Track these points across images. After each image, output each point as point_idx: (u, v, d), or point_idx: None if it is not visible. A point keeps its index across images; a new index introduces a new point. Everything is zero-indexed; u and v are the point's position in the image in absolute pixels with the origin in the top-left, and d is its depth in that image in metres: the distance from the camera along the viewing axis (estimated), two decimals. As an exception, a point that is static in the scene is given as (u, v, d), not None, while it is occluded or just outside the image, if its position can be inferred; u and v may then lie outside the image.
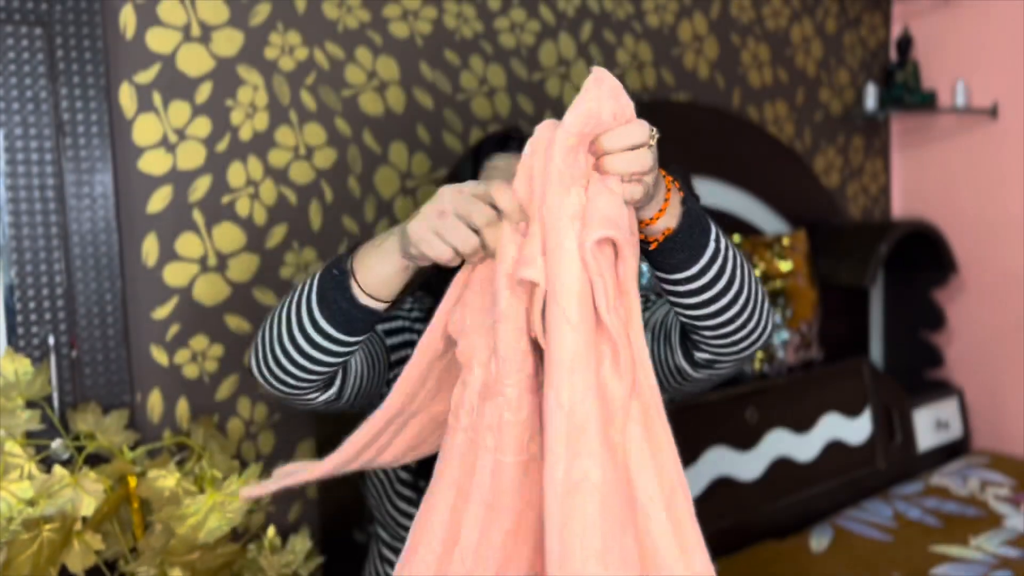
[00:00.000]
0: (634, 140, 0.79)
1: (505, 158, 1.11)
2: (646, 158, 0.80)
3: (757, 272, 2.16)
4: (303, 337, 0.95)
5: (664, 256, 0.88)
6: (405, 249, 0.86)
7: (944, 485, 2.20)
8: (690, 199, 0.88)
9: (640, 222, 0.85)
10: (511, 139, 1.18)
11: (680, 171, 0.95)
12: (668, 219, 0.86)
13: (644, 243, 0.87)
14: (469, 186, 0.84)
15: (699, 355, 1.01)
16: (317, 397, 1.03)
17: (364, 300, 0.91)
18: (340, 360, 0.97)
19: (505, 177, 0.85)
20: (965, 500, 2.11)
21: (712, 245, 0.89)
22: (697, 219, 0.88)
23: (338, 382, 1.04)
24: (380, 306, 0.92)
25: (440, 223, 0.82)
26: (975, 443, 2.57)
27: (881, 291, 2.64)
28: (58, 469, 1.24)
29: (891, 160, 2.76)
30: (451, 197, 0.83)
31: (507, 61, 1.92)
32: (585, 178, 0.80)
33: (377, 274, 0.90)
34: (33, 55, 1.36)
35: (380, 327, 1.19)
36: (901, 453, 2.28)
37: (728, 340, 0.97)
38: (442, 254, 0.83)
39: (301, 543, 1.40)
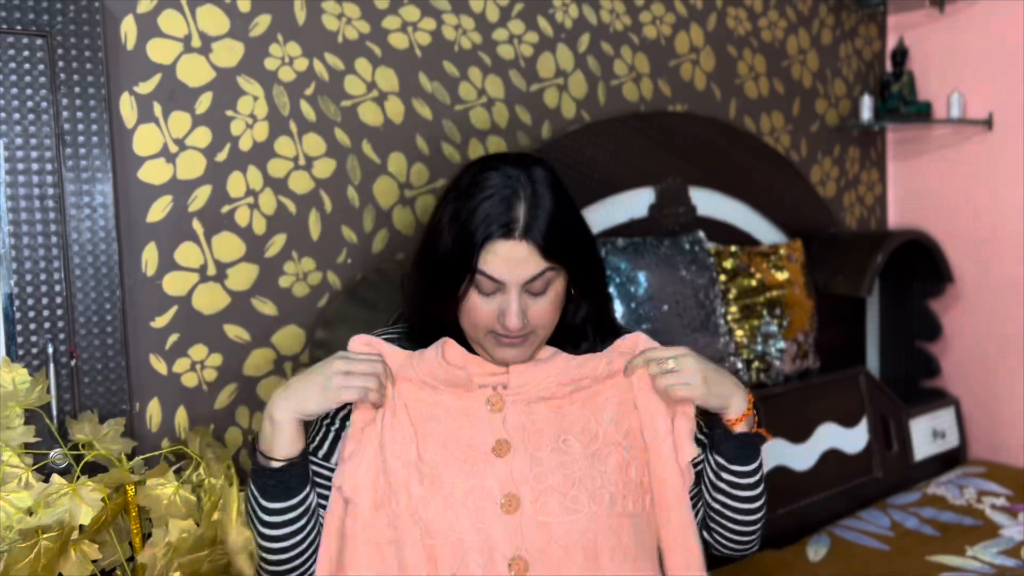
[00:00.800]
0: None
1: (506, 245, 1.05)
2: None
3: (752, 282, 2.17)
4: (261, 524, 1.12)
5: (740, 447, 1.15)
6: (300, 409, 1.08)
7: (941, 495, 2.20)
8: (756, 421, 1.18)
9: (728, 419, 1.15)
10: (500, 164, 1.11)
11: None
12: (746, 425, 1.16)
13: (726, 430, 1.15)
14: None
15: (710, 523, 1.23)
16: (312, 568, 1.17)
17: (271, 465, 1.09)
18: (288, 529, 1.12)
19: (507, 274, 1.06)
20: (962, 510, 2.11)
21: (760, 457, 1.17)
22: (754, 436, 1.16)
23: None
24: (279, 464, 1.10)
25: (347, 380, 1.07)
26: (972, 453, 2.57)
27: (877, 301, 2.64)
28: (56, 478, 1.24)
29: (887, 170, 2.77)
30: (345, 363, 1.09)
31: (505, 72, 1.93)
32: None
33: (281, 445, 1.09)
34: (34, 65, 1.37)
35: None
36: (898, 462, 2.29)
37: (738, 533, 1.21)
38: (356, 395, 1.07)
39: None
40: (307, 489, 1.12)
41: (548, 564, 1.03)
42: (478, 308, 1.08)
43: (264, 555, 1.14)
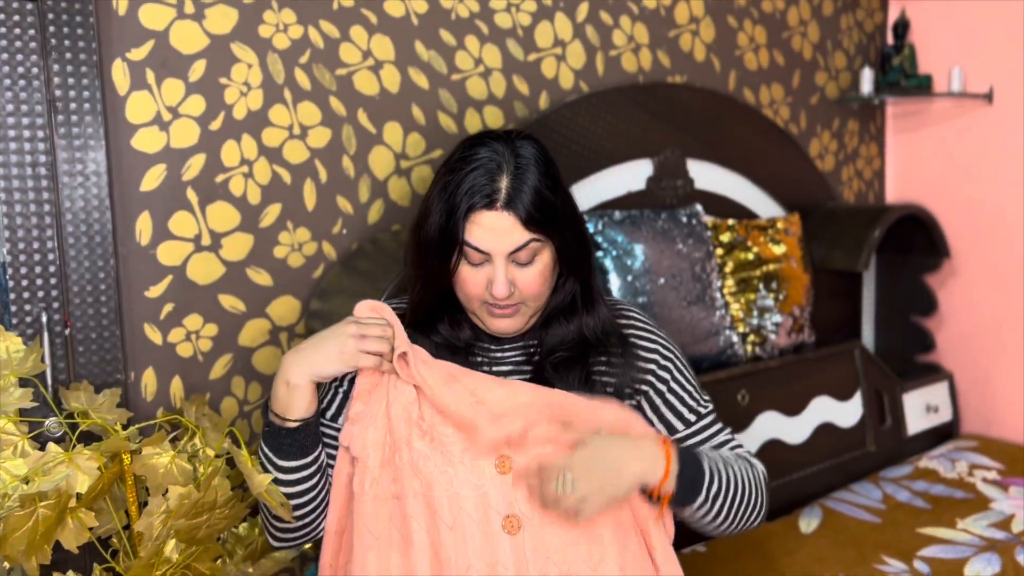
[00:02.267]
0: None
1: (492, 218, 1.09)
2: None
3: (749, 256, 2.17)
4: (275, 483, 1.15)
5: (676, 502, 1.13)
6: (317, 372, 1.10)
7: (933, 468, 2.22)
8: (686, 466, 1.12)
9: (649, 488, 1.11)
10: (488, 140, 1.14)
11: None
12: (667, 487, 1.10)
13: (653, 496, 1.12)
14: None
15: None
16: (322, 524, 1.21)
17: (287, 426, 1.12)
18: (304, 486, 1.16)
19: (492, 245, 1.08)
20: (953, 483, 2.13)
21: (702, 497, 1.13)
22: (691, 482, 1.12)
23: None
24: (295, 424, 1.13)
25: (362, 343, 1.09)
26: (964, 427, 2.59)
27: (874, 275, 2.64)
28: (52, 446, 1.24)
29: (886, 144, 2.76)
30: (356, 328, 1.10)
31: (503, 41, 1.91)
32: None
33: (286, 406, 1.12)
34: (24, 30, 1.35)
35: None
36: (891, 436, 2.30)
37: (721, 530, 1.21)
38: (371, 361, 1.10)
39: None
40: (320, 447, 1.16)
41: (539, 525, 1.06)
42: (468, 279, 1.12)
43: (277, 518, 1.18)
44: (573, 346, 1.19)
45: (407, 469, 1.08)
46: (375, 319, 1.12)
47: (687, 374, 1.25)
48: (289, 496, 1.15)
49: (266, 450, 1.15)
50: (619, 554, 1.08)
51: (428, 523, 1.07)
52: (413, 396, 1.11)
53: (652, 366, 1.21)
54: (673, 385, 1.22)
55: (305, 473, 1.15)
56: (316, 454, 1.16)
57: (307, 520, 1.19)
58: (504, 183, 1.09)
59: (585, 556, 1.06)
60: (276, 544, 1.24)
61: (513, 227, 1.09)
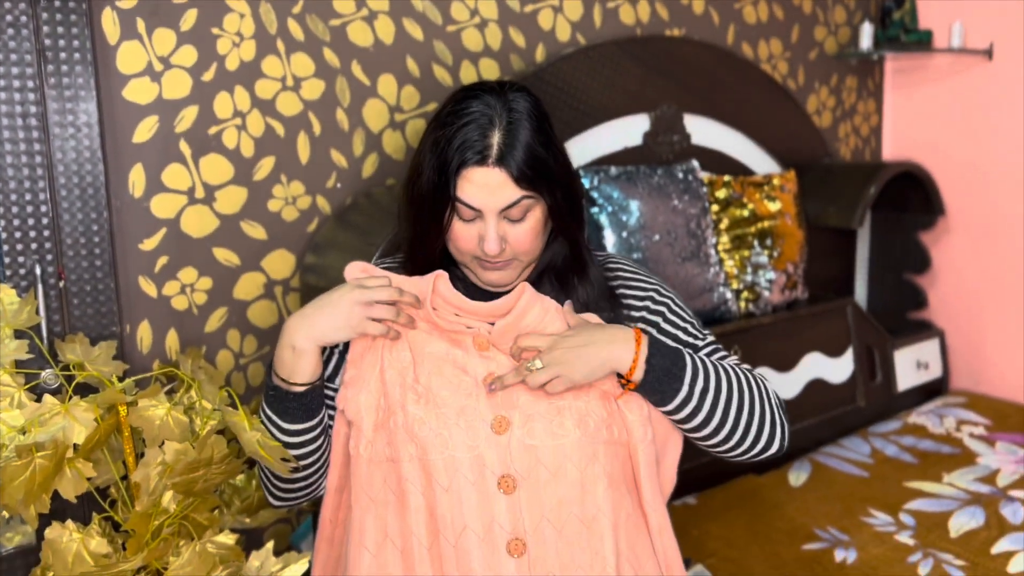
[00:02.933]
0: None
1: (483, 175, 1.07)
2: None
3: (744, 212, 2.17)
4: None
5: (643, 394, 1.12)
6: (324, 338, 1.09)
7: (921, 424, 2.25)
8: (661, 356, 1.10)
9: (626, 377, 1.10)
10: (480, 92, 1.11)
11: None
12: (636, 375, 1.09)
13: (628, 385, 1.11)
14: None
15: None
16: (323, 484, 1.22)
17: (294, 390, 1.12)
18: (309, 448, 1.16)
19: (483, 202, 1.08)
20: (941, 438, 2.16)
21: (684, 391, 1.10)
22: (665, 373, 1.10)
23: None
24: (302, 388, 1.12)
25: (369, 310, 1.08)
26: (954, 383, 2.62)
27: (868, 232, 2.65)
28: (48, 398, 1.25)
29: (884, 101, 2.74)
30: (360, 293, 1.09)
31: (499, -8, 1.88)
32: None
33: (303, 370, 1.11)
34: (12, -23, 1.32)
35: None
36: (881, 392, 2.32)
37: (722, 452, 1.18)
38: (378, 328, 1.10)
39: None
40: (323, 409, 1.17)
41: (535, 484, 1.06)
42: (461, 234, 1.11)
43: (279, 478, 1.19)
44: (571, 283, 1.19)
45: (401, 433, 1.08)
46: (379, 281, 1.11)
47: (683, 313, 1.23)
48: (294, 457, 1.16)
49: (270, 413, 1.14)
50: (612, 511, 1.09)
51: (424, 485, 1.07)
52: (408, 360, 1.11)
53: (643, 312, 1.21)
54: (665, 326, 1.21)
55: (311, 435, 1.15)
56: (321, 416, 1.16)
57: (311, 480, 1.20)
58: (496, 139, 1.06)
59: (579, 513, 1.07)
60: (276, 504, 1.24)
61: (505, 183, 1.07)
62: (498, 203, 1.08)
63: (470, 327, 1.13)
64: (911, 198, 2.50)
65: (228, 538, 1.28)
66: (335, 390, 1.19)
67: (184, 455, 1.21)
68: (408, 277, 1.14)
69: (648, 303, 1.21)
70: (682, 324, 1.22)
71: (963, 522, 1.74)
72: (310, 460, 1.17)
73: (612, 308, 1.20)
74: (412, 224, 1.16)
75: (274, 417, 1.14)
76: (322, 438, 1.17)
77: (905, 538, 1.69)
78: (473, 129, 1.07)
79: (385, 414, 1.10)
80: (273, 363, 1.12)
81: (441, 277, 1.13)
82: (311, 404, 1.13)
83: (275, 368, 1.12)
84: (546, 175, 1.10)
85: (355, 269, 1.14)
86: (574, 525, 1.07)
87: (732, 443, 1.15)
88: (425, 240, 1.15)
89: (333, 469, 1.18)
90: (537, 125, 1.10)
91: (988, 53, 2.43)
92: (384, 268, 1.19)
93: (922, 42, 2.48)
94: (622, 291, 1.22)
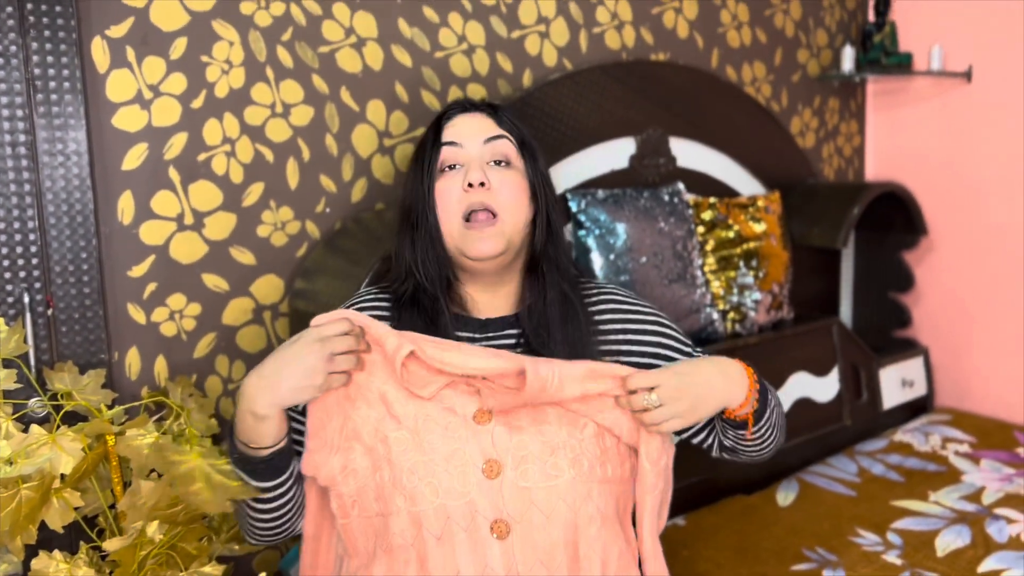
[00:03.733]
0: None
1: (467, 117, 1.19)
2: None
3: (730, 234, 2.19)
4: (251, 507, 1.12)
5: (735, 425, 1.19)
6: (286, 403, 1.03)
7: (907, 442, 2.27)
8: (763, 389, 1.19)
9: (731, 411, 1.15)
10: (472, 106, 1.23)
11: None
12: (746, 408, 1.15)
13: (732, 421, 1.17)
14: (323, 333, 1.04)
15: (725, 454, 1.30)
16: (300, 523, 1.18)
17: (259, 455, 1.07)
18: (281, 501, 1.12)
19: (466, 137, 1.16)
20: (926, 456, 2.18)
21: (767, 413, 1.20)
22: (763, 407, 1.18)
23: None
24: (267, 452, 1.07)
25: (331, 364, 1.02)
26: (938, 400, 2.64)
27: (852, 251, 2.68)
28: (36, 428, 1.25)
29: (866, 122, 2.78)
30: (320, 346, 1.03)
31: (486, 18, 1.90)
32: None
33: (267, 436, 1.05)
34: (2, 8, 1.33)
35: None
36: (867, 411, 2.34)
37: (759, 453, 1.27)
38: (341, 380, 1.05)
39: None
40: (292, 463, 1.11)
41: (529, 527, 1.04)
42: (445, 189, 1.16)
43: (254, 524, 1.15)
44: (557, 319, 1.19)
45: (389, 487, 1.05)
46: (336, 327, 1.04)
47: (683, 337, 1.28)
48: (267, 510, 1.12)
49: (238, 472, 1.10)
50: (603, 550, 1.08)
51: (414, 536, 1.04)
52: (382, 412, 1.07)
53: (657, 338, 1.24)
54: (673, 355, 1.24)
55: (281, 490, 1.10)
56: (291, 470, 1.10)
57: (285, 525, 1.16)
58: (478, 100, 1.23)
59: (572, 554, 1.06)
60: (255, 542, 1.20)
61: (485, 121, 1.19)
62: (479, 135, 1.18)
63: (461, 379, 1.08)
64: (894, 218, 2.54)
65: (215, 569, 1.28)
66: (302, 421, 1.13)
67: (162, 491, 1.20)
68: (387, 330, 1.08)
69: (656, 330, 1.24)
70: (685, 349, 1.27)
71: (949, 541, 1.76)
72: (284, 510, 1.13)
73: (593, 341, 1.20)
74: (403, 222, 1.20)
75: (243, 476, 1.09)
76: (294, 488, 1.12)
77: (892, 558, 1.70)
78: (456, 102, 1.23)
79: (369, 471, 1.06)
80: (234, 427, 1.07)
81: (416, 342, 1.07)
82: (279, 464, 1.08)
83: (236, 433, 1.07)
84: (526, 140, 1.21)
85: (323, 319, 1.07)
86: (567, 566, 1.06)
87: (769, 444, 1.25)
88: (416, 240, 1.17)
89: (308, 516, 1.14)
90: (517, 116, 1.24)
91: (967, 75, 2.47)
92: (367, 303, 1.20)
93: (902, 65, 2.52)
94: (628, 323, 1.23)
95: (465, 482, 1.04)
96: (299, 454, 1.13)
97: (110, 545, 1.23)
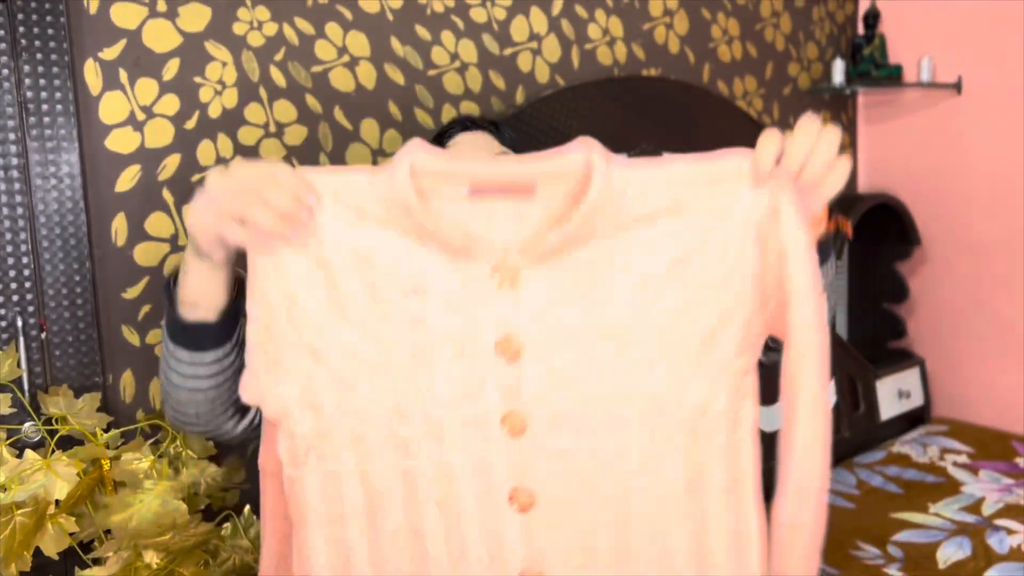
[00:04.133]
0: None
1: (469, 135, 1.19)
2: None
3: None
4: (173, 370, 0.97)
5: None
6: (196, 251, 0.86)
7: (905, 453, 2.26)
8: None
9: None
10: (473, 123, 1.25)
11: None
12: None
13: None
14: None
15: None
16: (234, 428, 1.03)
17: (192, 317, 0.92)
18: (213, 380, 0.95)
19: (469, 145, 1.16)
20: (925, 467, 2.18)
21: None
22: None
23: (251, 411, 1.05)
24: (210, 317, 0.92)
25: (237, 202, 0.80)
26: (935, 411, 2.64)
27: (846, 264, 2.68)
28: (30, 453, 1.24)
29: (857, 134, 2.79)
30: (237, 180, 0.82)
31: (478, 36, 1.90)
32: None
33: (191, 289, 0.90)
34: (-6, 31, 1.33)
35: None
36: (864, 422, 2.34)
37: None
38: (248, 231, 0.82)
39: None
40: (228, 344, 0.92)
41: (562, 501, 0.78)
42: None
43: (175, 396, 0.99)
44: None
45: (373, 433, 0.78)
46: (291, 181, 0.79)
47: None
48: (198, 388, 0.93)
49: (172, 347, 0.92)
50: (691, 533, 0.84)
51: (405, 498, 0.79)
52: (364, 323, 0.77)
53: None
54: None
55: (227, 360, 0.93)
56: (222, 350, 0.92)
57: (196, 410, 0.98)
58: (478, 117, 1.26)
59: (614, 538, 0.80)
60: (171, 420, 1.04)
61: (488, 140, 1.20)
62: (483, 152, 1.19)
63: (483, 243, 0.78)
64: (887, 229, 2.54)
65: (215, 593, 1.27)
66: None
67: (144, 519, 1.19)
68: (370, 172, 0.85)
69: None
70: None
71: (950, 553, 1.75)
72: (222, 388, 0.95)
73: None
74: None
75: (165, 332, 0.92)
76: (234, 354, 0.93)
77: (894, 571, 1.69)
78: (458, 118, 1.25)
79: (333, 410, 0.79)
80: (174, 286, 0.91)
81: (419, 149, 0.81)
82: (199, 334, 0.90)
83: (177, 294, 0.91)
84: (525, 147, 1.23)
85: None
86: (610, 556, 0.80)
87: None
88: None
89: (273, 520, 0.90)
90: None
91: (957, 87, 2.49)
92: None
93: (892, 77, 2.54)
94: None
95: (479, 434, 0.78)
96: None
97: (92, 574, 1.21)
